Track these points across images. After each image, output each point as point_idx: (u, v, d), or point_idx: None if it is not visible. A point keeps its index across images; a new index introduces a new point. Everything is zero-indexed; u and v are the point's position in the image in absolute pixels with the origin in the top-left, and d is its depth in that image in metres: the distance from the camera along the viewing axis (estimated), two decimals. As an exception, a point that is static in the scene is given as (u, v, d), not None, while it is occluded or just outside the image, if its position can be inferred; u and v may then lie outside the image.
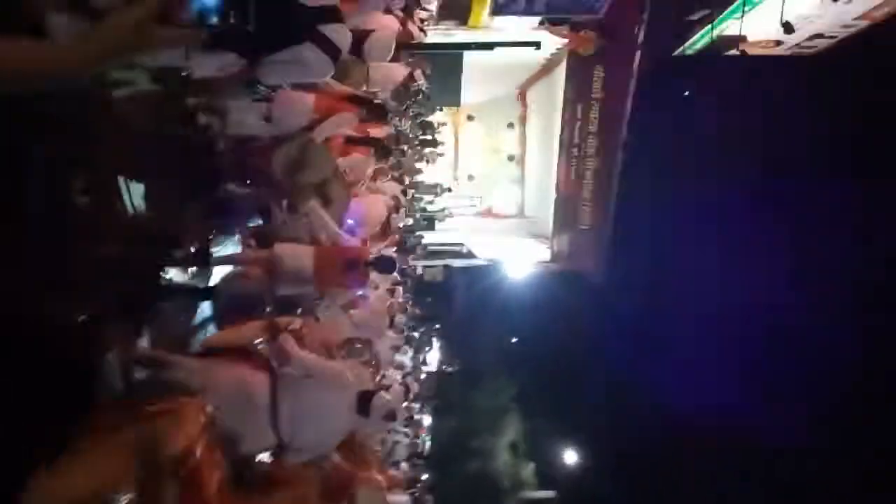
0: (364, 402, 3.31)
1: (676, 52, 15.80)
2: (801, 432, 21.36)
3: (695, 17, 15.19)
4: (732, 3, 13.20)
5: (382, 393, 3.52)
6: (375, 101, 5.52)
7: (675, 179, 21.76)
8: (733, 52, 12.12)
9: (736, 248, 23.36)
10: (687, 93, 17.57)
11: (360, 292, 5.60)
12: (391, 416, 3.65)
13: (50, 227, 2.54)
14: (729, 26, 13.69)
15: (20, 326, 2.05)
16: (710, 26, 14.21)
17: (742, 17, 12.10)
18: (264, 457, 3.86)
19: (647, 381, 24.64)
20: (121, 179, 3.30)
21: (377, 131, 6.38)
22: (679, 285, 24.18)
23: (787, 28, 9.74)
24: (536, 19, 12.08)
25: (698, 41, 15.14)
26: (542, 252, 16.23)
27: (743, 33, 12.02)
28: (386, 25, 5.70)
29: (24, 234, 2.32)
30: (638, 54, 12.41)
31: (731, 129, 20.56)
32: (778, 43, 12.29)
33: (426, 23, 10.40)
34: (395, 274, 6.24)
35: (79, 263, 2.65)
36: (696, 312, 23.54)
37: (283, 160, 4.48)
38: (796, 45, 11.77)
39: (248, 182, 4.94)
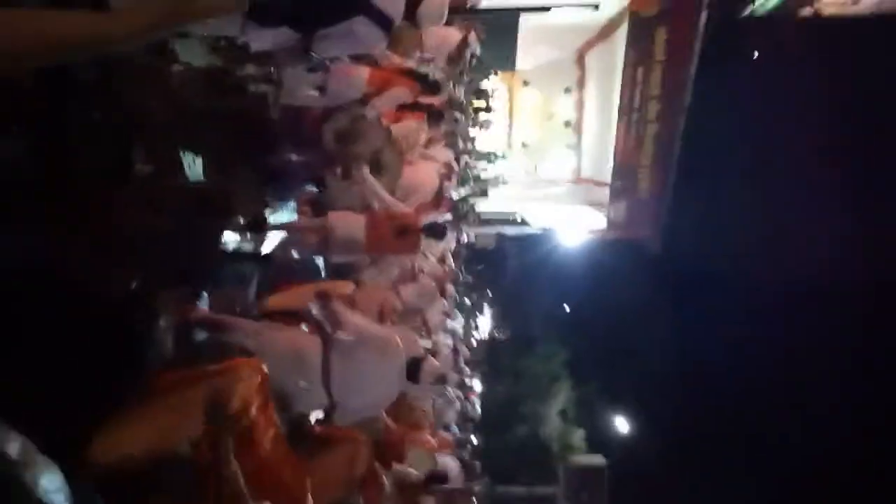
0: (414, 367, 3.38)
1: (744, 13, 14.98)
2: (859, 411, 20.62)
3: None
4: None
5: (431, 359, 3.59)
6: (430, 77, 5.49)
7: (739, 147, 20.83)
8: (806, 12, 11.39)
9: (799, 221, 22.29)
10: (755, 55, 16.64)
11: (411, 261, 5.68)
12: (441, 380, 3.71)
13: (110, 195, 2.68)
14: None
15: (82, 293, 2.18)
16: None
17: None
18: (317, 415, 4.02)
19: (699, 351, 24.18)
20: (178, 148, 3.42)
21: (431, 98, 6.35)
22: (737, 256, 23.35)
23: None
24: (596, -21, 11.66)
25: (768, 1, 14.31)
26: (598, 220, 15.95)
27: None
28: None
29: (84, 200, 2.44)
30: (703, 15, 11.82)
31: (801, 95, 19.38)
32: (855, 2, 11.46)
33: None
34: (447, 240, 6.27)
35: (138, 230, 2.79)
36: (754, 284, 22.78)
37: (335, 131, 4.55)
38: (877, 2, 10.92)
39: (302, 149, 5.04)
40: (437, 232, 4.82)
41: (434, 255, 7.07)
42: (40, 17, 0.85)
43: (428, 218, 5.61)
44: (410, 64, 6.30)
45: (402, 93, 4.78)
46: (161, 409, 2.18)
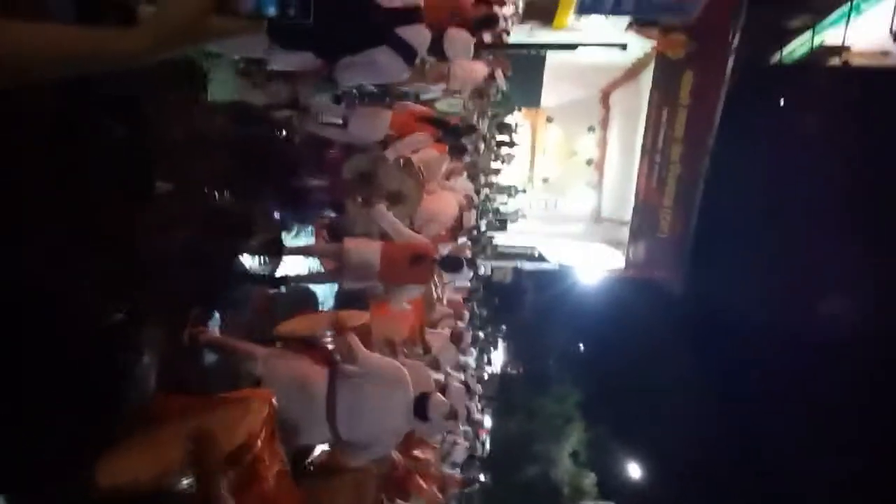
0: (421, 403, 3.28)
1: (772, 60, 14.97)
2: (888, 461, 19.86)
3: (794, 24, 14.34)
4: (836, 11, 12.38)
5: (440, 395, 3.49)
6: (452, 124, 5.53)
7: (763, 192, 20.59)
8: (835, 62, 11.34)
9: (822, 269, 21.84)
10: (782, 103, 16.56)
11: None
12: (451, 415, 3.60)
13: (129, 212, 2.65)
14: (832, 35, 12.85)
15: (95, 311, 2.14)
16: (810, 34, 13.37)
17: (847, 25, 11.31)
18: (324, 447, 3.92)
19: (717, 397, 23.58)
20: (200, 169, 3.42)
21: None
22: (758, 300, 22.89)
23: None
24: (624, 21, 11.73)
25: (797, 49, 14.28)
26: (617, 258, 15.79)
27: (847, 43, 11.24)
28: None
29: (104, 216, 2.42)
30: (731, 60, 11.80)
31: (827, 145, 19.19)
32: (885, 53, 11.39)
33: (509, 22, 10.30)
34: (464, 274, 6.20)
35: (155, 248, 2.76)
36: (775, 330, 22.25)
37: (354, 171, 4.58)
38: (907, 56, 10.86)
39: (321, 176, 5.05)
40: (453, 265, 4.75)
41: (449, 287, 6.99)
42: (52, 30, 0.81)
43: (445, 249, 5.56)
44: (436, 94, 6.36)
45: (422, 138, 4.81)
46: (167, 436, 2.11)
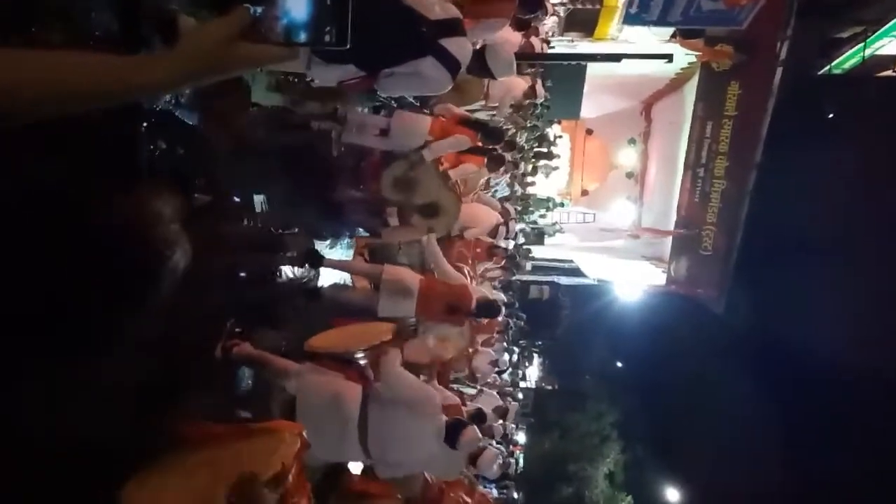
0: (454, 431, 3.17)
1: (821, 71, 14.50)
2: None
3: (844, 34, 13.88)
4: (888, 21, 11.96)
5: (473, 428, 3.34)
6: (491, 126, 5.45)
7: (811, 208, 19.89)
8: (887, 73, 10.89)
9: (869, 292, 20.90)
10: (831, 115, 16.02)
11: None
12: (478, 454, 3.51)
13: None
14: (884, 45, 12.39)
15: (131, 330, 2.09)
16: (861, 44, 12.92)
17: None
18: (355, 467, 3.84)
19: (762, 420, 22.74)
20: (239, 180, 3.40)
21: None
22: (804, 323, 22.05)
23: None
24: (667, 31, 11.48)
25: (847, 60, 13.81)
26: (657, 275, 15.41)
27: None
28: (506, 39, 5.57)
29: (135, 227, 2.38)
30: (779, 71, 11.44)
31: (878, 158, 18.44)
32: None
33: (550, 33, 10.20)
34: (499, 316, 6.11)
35: (193, 262, 2.72)
36: (820, 355, 21.37)
37: (393, 179, 4.55)
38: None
39: (361, 188, 5.02)
40: (488, 310, 4.65)
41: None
42: (67, 58, 0.75)
43: (481, 268, 5.45)
44: (476, 112, 6.29)
45: (462, 140, 4.73)
46: (198, 464, 2.07)
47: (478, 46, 3.82)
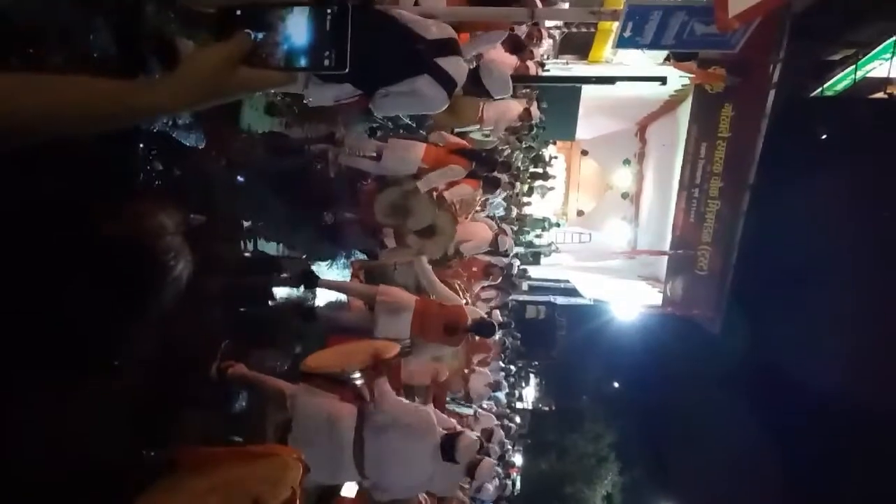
0: (450, 445, 3.15)
1: (814, 93, 14.68)
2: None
3: (836, 57, 14.09)
4: (880, 44, 12.14)
5: (468, 433, 3.36)
6: (484, 155, 5.50)
7: (805, 228, 19.96)
8: (879, 95, 11.04)
9: (867, 315, 20.90)
10: (824, 136, 16.21)
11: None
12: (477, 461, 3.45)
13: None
14: (875, 67, 12.54)
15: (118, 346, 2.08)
16: (853, 67, 13.10)
17: (892, 57, 11.03)
18: (349, 488, 3.79)
19: (759, 441, 22.57)
20: (234, 201, 3.40)
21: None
22: (802, 344, 22.00)
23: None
24: (661, 54, 11.62)
25: (839, 82, 13.99)
26: (653, 295, 15.41)
27: (893, 74, 10.96)
28: (501, 60, 5.64)
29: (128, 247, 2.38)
30: (772, 93, 11.56)
31: (870, 179, 18.59)
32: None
33: (545, 56, 10.31)
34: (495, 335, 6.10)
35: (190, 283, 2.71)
36: (817, 377, 21.29)
37: (387, 205, 4.57)
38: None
39: (356, 210, 5.03)
40: (485, 330, 4.66)
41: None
42: (66, 81, 0.76)
43: (478, 286, 5.43)
44: (471, 134, 6.33)
45: (456, 171, 4.77)
46: (206, 490, 2.04)
47: (472, 65, 3.86)
